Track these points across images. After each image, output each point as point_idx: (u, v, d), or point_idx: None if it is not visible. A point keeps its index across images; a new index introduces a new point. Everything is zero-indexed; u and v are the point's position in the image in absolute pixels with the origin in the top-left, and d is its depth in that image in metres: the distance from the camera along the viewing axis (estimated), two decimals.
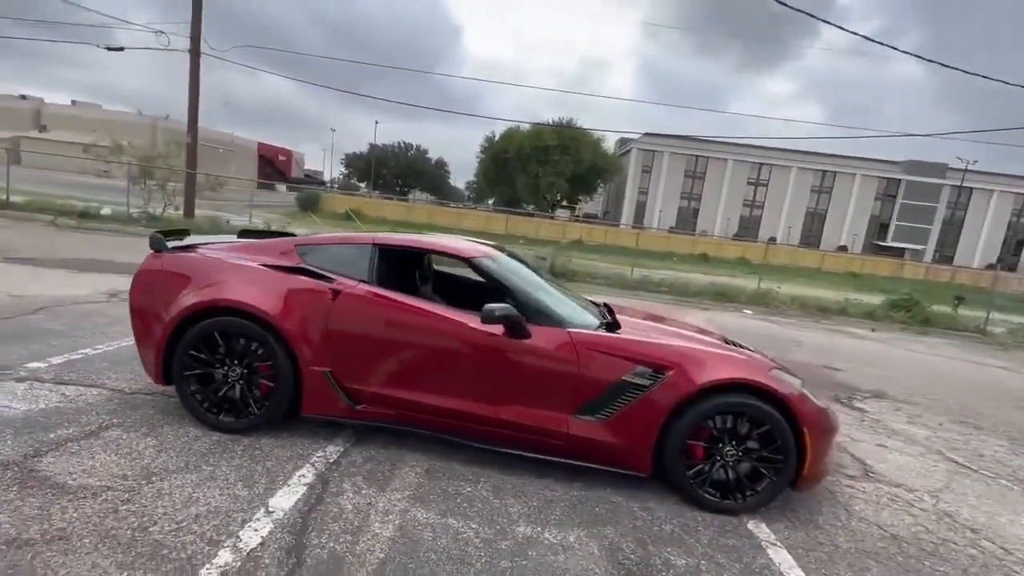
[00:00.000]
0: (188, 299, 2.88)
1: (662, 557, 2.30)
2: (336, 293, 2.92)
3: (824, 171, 57.62)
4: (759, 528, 2.64)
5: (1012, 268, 50.62)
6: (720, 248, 36.87)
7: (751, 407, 2.66)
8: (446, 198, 69.12)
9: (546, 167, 46.34)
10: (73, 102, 60.47)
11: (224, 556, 1.96)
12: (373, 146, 66.94)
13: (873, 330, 11.35)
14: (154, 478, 2.41)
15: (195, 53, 14.76)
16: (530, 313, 2.85)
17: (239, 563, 1.93)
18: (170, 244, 3.17)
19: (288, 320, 2.85)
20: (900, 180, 57.54)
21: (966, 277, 36.77)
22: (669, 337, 3.05)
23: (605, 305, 3.72)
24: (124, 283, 4.59)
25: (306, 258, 3.10)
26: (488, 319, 2.68)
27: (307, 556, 2.02)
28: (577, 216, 50.99)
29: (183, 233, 3.49)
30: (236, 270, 2.99)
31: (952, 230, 58.20)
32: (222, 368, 2.91)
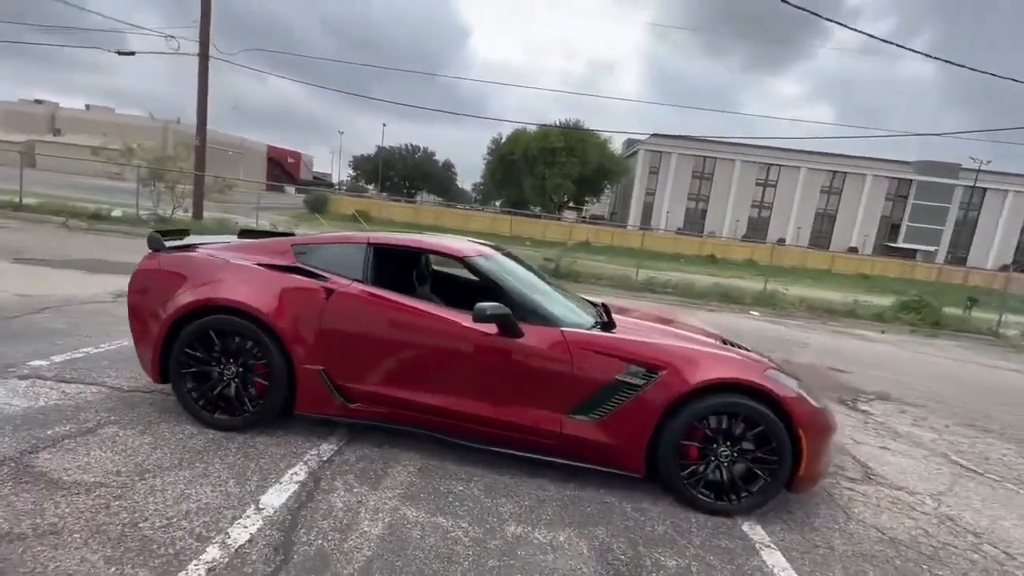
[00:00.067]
0: (184, 298, 2.91)
1: (652, 558, 2.28)
2: (330, 292, 2.93)
3: (834, 171, 57.05)
4: (754, 530, 2.61)
5: None
6: (728, 249, 36.61)
7: (745, 407, 2.63)
8: (453, 200, 69.31)
9: (553, 169, 46.33)
10: (87, 106, 61.44)
11: (212, 552, 1.97)
12: (381, 148, 67.38)
13: (883, 332, 11.20)
14: (147, 475, 2.43)
15: (204, 57, 14.93)
16: (524, 312, 2.84)
17: (227, 559, 1.94)
18: (168, 244, 3.20)
19: (282, 319, 2.86)
20: (912, 180, 56.80)
21: (979, 279, 36.18)
22: (664, 337, 3.02)
23: (603, 305, 3.70)
24: None
25: (301, 257, 3.12)
26: (479, 318, 2.67)
27: (295, 553, 2.03)
28: (584, 218, 50.84)
29: (182, 233, 3.53)
30: (232, 269, 3.02)
31: (965, 231, 57.35)
32: (218, 366, 2.94)
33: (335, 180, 78.18)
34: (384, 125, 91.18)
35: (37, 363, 3.59)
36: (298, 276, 3.00)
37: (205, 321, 2.88)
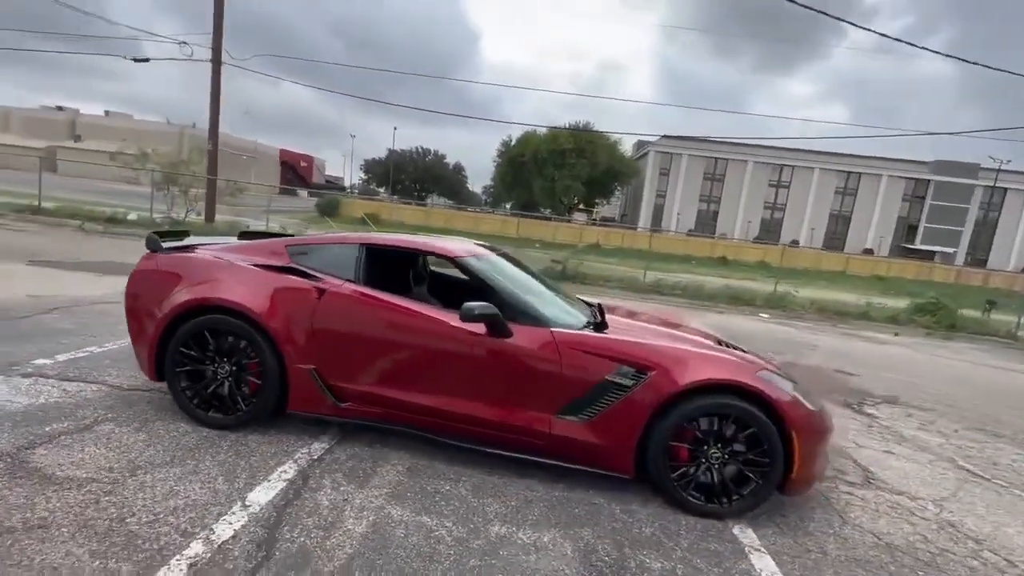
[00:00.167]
0: (179, 297, 2.95)
1: (637, 560, 2.25)
2: (321, 292, 2.95)
3: (848, 172, 56.20)
4: (744, 533, 2.57)
5: None
6: (740, 251, 36.20)
7: (736, 408, 2.59)
8: (464, 202, 69.57)
9: (562, 171, 46.32)
10: (106, 112, 62.85)
11: (196, 547, 1.99)
12: (392, 151, 67.92)
13: (896, 334, 10.99)
14: (139, 471, 2.47)
15: (216, 63, 15.19)
16: (513, 312, 2.84)
17: (209, 555, 1.96)
18: (166, 245, 3.26)
19: (274, 318, 2.89)
20: (929, 181, 55.73)
21: (1000, 280, 35.37)
22: (656, 337, 3.00)
23: (598, 306, 3.68)
24: None
25: (296, 258, 3.15)
26: (467, 317, 2.67)
27: (276, 549, 2.04)
28: (594, 220, 50.75)
29: (182, 235, 3.59)
30: (226, 269, 3.06)
31: (985, 232, 56.06)
32: (212, 365, 2.97)
33: (347, 183, 79.03)
34: (395, 128, 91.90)
35: (41, 362, 3.67)
36: (291, 276, 3.03)
37: (199, 320, 2.92)
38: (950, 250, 54.60)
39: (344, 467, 2.75)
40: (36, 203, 14.33)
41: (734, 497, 2.65)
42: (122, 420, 2.96)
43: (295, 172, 69.50)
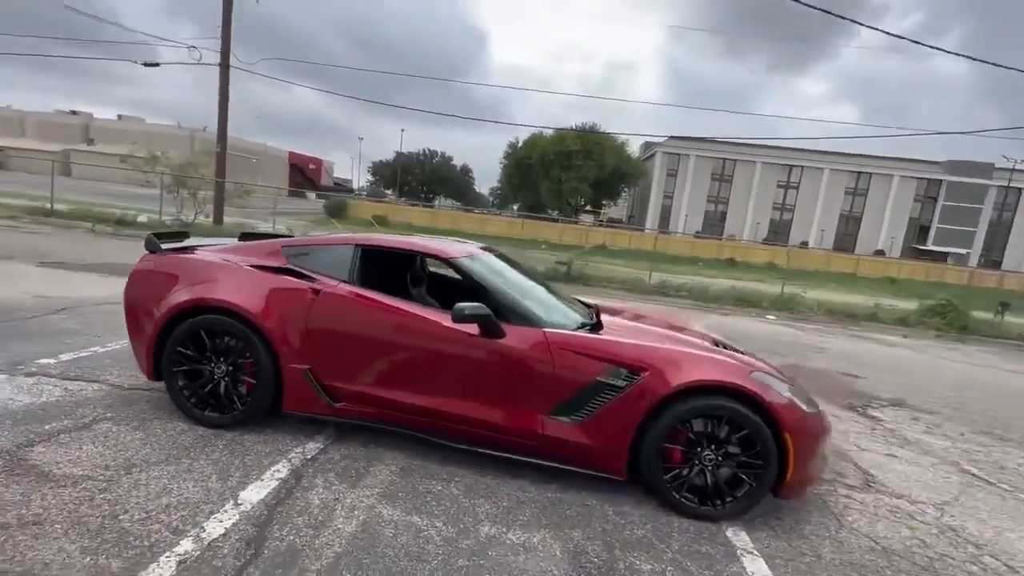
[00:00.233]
0: (176, 297, 2.99)
1: (627, 562, 2.24)
2: (316, 292, 2.97)
3: (859, 172, 55.58)
4: (738, 536, 2.54)
5: None
6: (748, 253, 35.93)
7: (729, 410, 2.57)
8: (471, 204, 69.76)
9: (569, 172, 46.27)
10: (119, 116, 63.81)
11: (185, 545, 2.01)
12: (399, 154, 68.32)
13: (905, 336, 10.84)
14: (134, 469, 2.50)
15: (224, 67, 15.37)
16: (506, 313, 2.84)
17: (198, 552, 1.98)
18: (165, 246, 3.30)
19: (269, 319, 2.92)
20: (941, 181, 54.97)
21: (1014, 282, 34.78)
22: (650, 339, 2.98)
23: (595, 307, 3.67)
24: None
25: (292, 259, 3.18)
26: (458, 318, 2.68)
27: (265, 547, 2.05)
28: (601, 221, 50.60)
29: (182, 236, 3.63)
30: (223, 270, 3.09)
31: (1000, 233, 55.16)
32: (208, 365, 3.00)
33: (355, 185, 79.55)
34: (403, 131, 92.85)
35: (45, 361, 3.73)
36: (286, 277, 3.06)
37: (195, 320, 2.95)
38: (964, 251, 53.80)
39: (337, 467, 2.77)
40: (49, 205, 14.57)
41: (728, 499, 2.63)
42: (121, 419, 3.00)
43: (304, 174, 70.09)
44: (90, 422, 2.92)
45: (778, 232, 56.22)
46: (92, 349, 4.12)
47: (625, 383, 2.65)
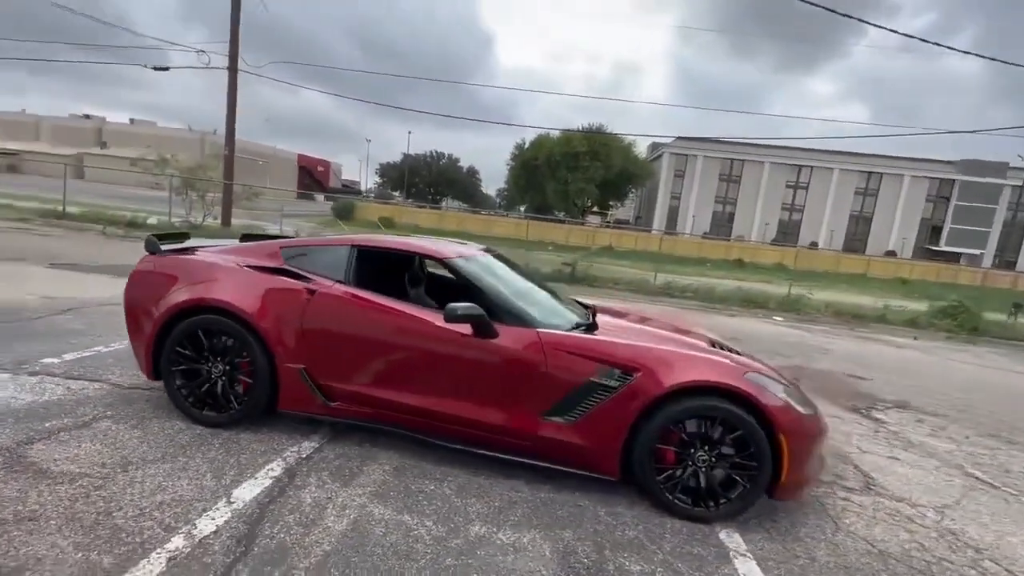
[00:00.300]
0: (174, 298, 3.03)
1: (617, 563, 2.23)
2: (311, 293, 3.00)
3: (869, 172, 54.98)
4: (731, 538, 2.52)
5: None
6: (757, 253, 35.67)
7: (722, 411, 2.55)
8: (478, 206, 69.91)
9: (575, 173, 46.23)
10: (131, 120, 64.75)
11: (177, 541, 2.03)
12: (407, 156, 68.60)
13: (915, 338, 10.70)
14: (130, 467, 2.53)
15: (233, 71, 15.54)
16: (500, 313, 2.84)
17: (189, 549, 2.00)
18: (165, 247, 3.34)
19: (265, 319, 2.94)
20: (954, 181, 54.21)
21: None
22: (645, 339, 2.97)
23: (592, 307, 3.67)
24: None
25: (289, 260, 3.20)
26: (451, 318, 2.69)
27: (255, 545, 2.07)
28: (608, 222, 50.51)
29: (182, 237, 3.67)
30: (220, 271, 3.12)
31: (1015, 233, 54.25)
32: (206, 364, 3.04)
33: (363, 187, 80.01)
34: (410, 133, 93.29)
35: (49, 360, 3.79)
36: (283, 277, 3.09)
37: (193, 320, 2.99)
38: (977, 252, 52.99)
39: (331, 466, 2.78)
40: (61, 208, 14.81)
41: (721, 501, 2.61)
42: (120, 417, 3.04)
43: (312, 176, 70.64)
44: (90, 420, 2.96)
45: (787, 233, 55.74)
46: (96, 349, 4.18)
47: (618, 383, 2.64)
